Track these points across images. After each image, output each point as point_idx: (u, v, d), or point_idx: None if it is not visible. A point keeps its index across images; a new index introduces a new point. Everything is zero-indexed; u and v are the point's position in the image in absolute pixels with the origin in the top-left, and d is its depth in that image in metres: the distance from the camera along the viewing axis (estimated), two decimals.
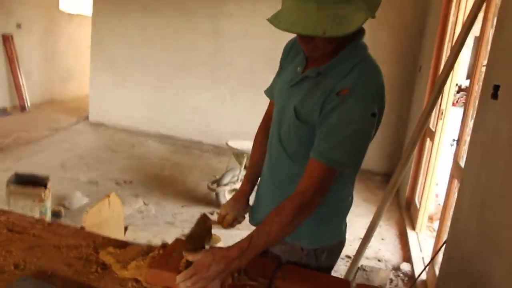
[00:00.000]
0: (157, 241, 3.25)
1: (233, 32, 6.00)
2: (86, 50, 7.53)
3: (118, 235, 2.26)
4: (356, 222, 4.11)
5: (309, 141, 1.35)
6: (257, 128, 1.74)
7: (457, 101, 4.32)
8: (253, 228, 1.36)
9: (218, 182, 4.06)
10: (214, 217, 3.71)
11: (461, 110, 4.80)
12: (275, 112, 1.54)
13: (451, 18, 3.75)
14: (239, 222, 1.66)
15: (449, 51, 3.55)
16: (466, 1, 3.41)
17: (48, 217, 3.28)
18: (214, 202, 4.17)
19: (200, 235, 1.61)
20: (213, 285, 1.26)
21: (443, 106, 3.62)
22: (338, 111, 1.24)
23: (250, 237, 1.28)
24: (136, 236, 3.28)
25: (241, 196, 1.66)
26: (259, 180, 1.67)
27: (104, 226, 2.02)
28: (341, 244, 1.58)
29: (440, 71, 2.47)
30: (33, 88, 7.56)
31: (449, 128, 3.71)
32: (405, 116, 5.41)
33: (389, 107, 5.71)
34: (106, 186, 4.39)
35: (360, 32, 1.34)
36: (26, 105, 7.16)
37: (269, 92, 1.66)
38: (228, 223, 1.65)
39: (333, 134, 1.26)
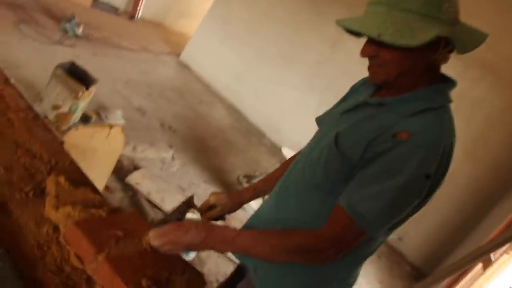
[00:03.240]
0: (153, 198, 3.02)
1: (353, 53, 5.61)
2: None
3: (99, 173, 2.02)
4: None
5: (336, 177, 1.11)
6: None
7: None
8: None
9: (250, 179, 3.76)
10: None
11: None
12: (312, 139, 1.31)
13: None
14: (218, 220, 1.48)
15: None
16: None
17: (75, 118, 3.15)
18: None
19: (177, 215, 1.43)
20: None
21: None
22: (387, 155, 1.03)
23: (237, 233, 1.13)
24: (139, 181, 3.07)
25: (237, 199, 1.47)
26: (258, 209, 1.40)
27: (88, 156, 1.78)
28: None
29: None
30: (151, 5, 7.63)
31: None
32: (476, 217, 4.74)
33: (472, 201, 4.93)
34: (150, 120, 4.24)
35: (449, 79, 1.14)
36: (136, 15, 7.24)
37: (319, 120, 1.43)
38: (211, 216, 1.46)
39: (371, 182, 1.04)
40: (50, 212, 1.17)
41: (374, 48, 1.07)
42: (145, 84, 5.17)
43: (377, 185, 1.02)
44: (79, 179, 1.39)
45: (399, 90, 1.12)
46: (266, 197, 1.40)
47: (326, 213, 1.13)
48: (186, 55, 6.85)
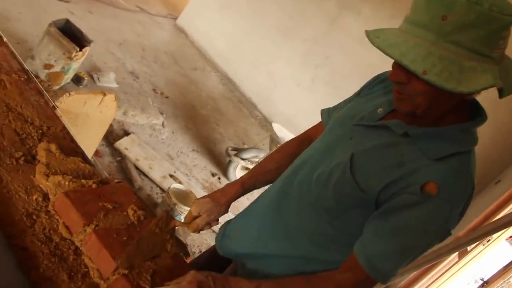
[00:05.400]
0: (141, 165, 3.02)
1: (352, 31, 5.53)
2: None
3: (89, 139, 2.00)
4: None
5: (347, 202, 1.05)
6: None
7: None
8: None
9: (238, 152, 3.77)
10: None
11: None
12: (319, 142, 1.21)
13: None
14: (210, 227, 1.33)
15: None
16: None
17: (67, 78, 3.10)
18: (222, 167, 3.90)
19: (155, 240, 1.19)
20: None
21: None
22: (415, 212, 0.97)
23: (257, 284, 1.06)
24: (129, 147, 3.07)
25: (223, 199, 1.30)
26: (247, 208, 1.34)
27: (79, 122, 1.76)
28: None
29: None
30: None
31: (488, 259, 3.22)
32: None
33: None
34: (142, 85, 4.19)
35: (482, 114, 1.02)
36: None
37: (327, 114, 1.32)
38: (198, 227, 1.29)
39: (396, 238, 1.00)
40: (40, 180, 1.18)
41: (407, 75, 0.92)
42: (140, 46, 5.08)
43: (399, 242, 0.99)
44: (70, 147, 1.39)
45: (424, 120, 1.01)
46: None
47: (329, 233, 1.11)
48: (183, 20, 6.71)
